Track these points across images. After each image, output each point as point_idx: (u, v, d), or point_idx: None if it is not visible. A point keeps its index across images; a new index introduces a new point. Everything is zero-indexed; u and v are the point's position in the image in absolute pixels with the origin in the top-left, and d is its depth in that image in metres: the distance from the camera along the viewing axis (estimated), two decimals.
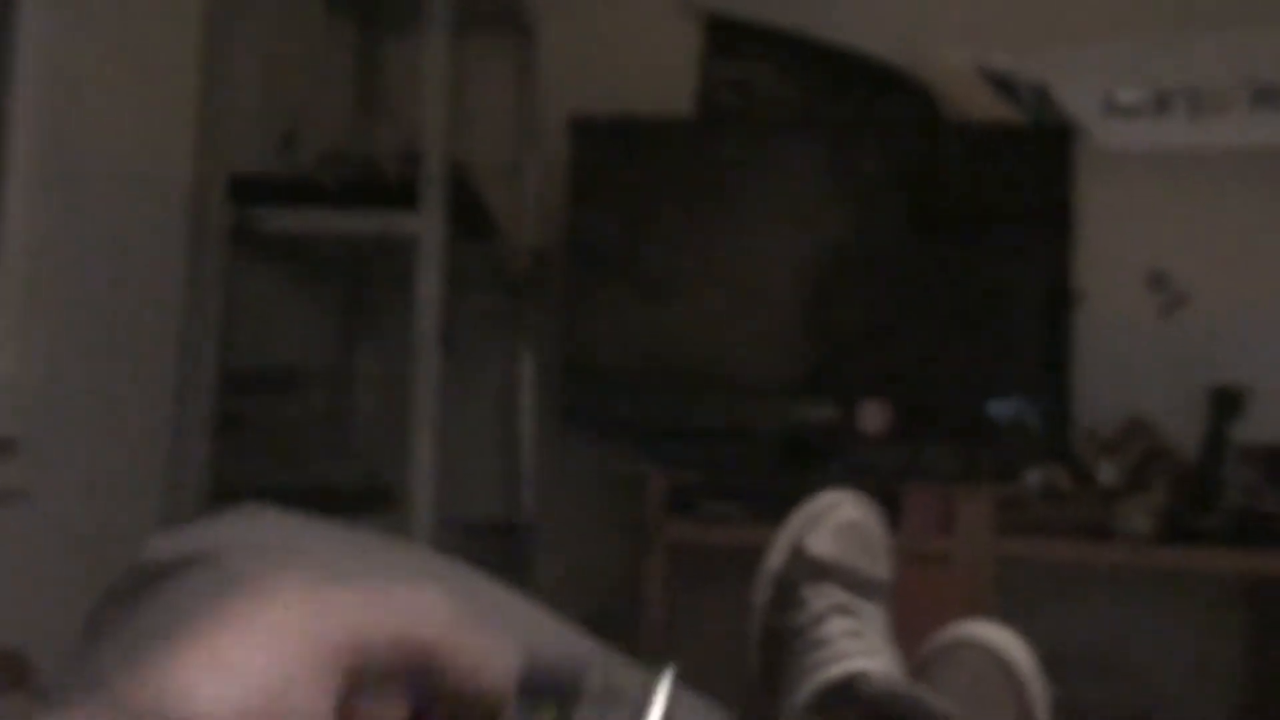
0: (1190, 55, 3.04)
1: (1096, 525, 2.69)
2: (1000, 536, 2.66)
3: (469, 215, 2.62)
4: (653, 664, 0.38)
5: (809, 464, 2.79)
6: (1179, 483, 2.73)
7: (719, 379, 2.91)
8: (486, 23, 3.01)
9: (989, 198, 2.96)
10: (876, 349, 2.93)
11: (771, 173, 2.98)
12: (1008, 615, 1.18)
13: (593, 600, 2.91)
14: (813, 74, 3.17)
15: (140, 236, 2.29)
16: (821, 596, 1.03)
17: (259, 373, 2.67)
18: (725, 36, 3.21)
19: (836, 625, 1.01)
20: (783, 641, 1.03)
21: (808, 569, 1.05)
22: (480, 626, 0.39)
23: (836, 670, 0.97)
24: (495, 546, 2.96)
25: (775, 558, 1.07)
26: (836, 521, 1.08)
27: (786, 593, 1.05)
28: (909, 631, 1.08)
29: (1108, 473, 2.76)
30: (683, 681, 0.37)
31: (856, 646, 1.00)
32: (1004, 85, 3.11)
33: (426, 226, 2.41)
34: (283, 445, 2.68)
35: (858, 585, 1.06)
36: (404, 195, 2.43)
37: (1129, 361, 2.98)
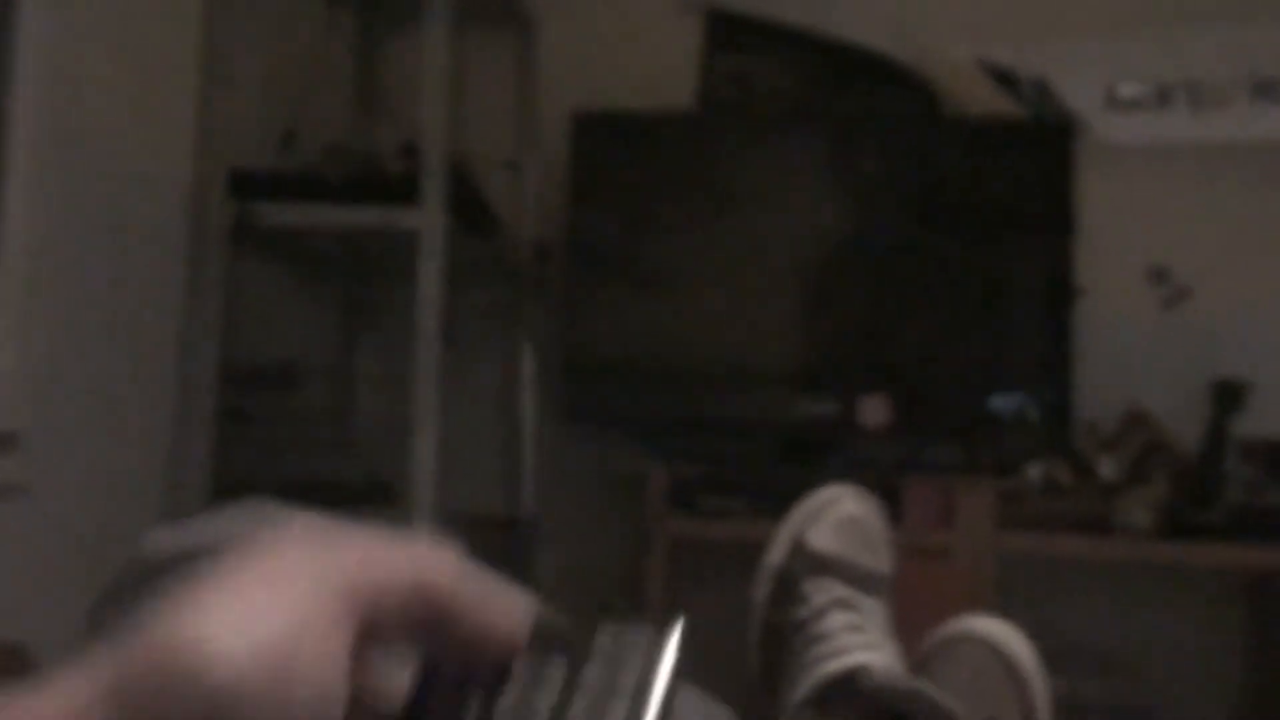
0: (1191, 49, 3.04)
1: (1097, 519, 2.69)
2: (1001, 531, 2.66)
3: (470, 211, 2.62)
4: (661, 623, 0.38)
5: (810, 459, 2.79)
6: (1179, 477, 2.73)
7: (720, 374, 2.91)
8: (486, 17, 3.01)
9: (989, 192, 2.95)
10: (877, 343, 2.93)
11: (772, 167, 2.98)
12: (1008, 609, 1.18)
13: (593, 595, 2.91)
14: (813, 69, 3.17)
15: (141, 232, 2.29)
16: (822, 591, 1.03)
17: (260, 368, 2.67)
18: (726, 31, 3.21)
19: (837, 619, 1.01)
20: (783, 636, 1.03)
21: (808, 563, 1.05)
22: (490, 581, 0.39)
23: (837, 664, 0.97)
24: (496, 542, 2.96)
25: (776, 552, 1.07)
26: (837, 516, 1.08)
27: (787, 587, 1.05)
28: (910, 626, 1.08)
29: (1108, 467, 2.76)
30: (691, 639, 0.37)
31: (857, 641, 1.00)
32: (1004, 79, 3.11)
33: (427, 222, 2.41)
34: (284, 440, 2.68)
35: (858, 580, 1.06)
36: (404, 191, 2.43)
37: (1130, 356, 2.98)
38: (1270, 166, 3.05)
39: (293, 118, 2.74)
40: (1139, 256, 3.07)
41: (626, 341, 2.95)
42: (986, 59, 3.11)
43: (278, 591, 0.34)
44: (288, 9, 2.94)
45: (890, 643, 1.03)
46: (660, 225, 2.97)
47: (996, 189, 2.96)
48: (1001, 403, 2.85)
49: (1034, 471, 2.76)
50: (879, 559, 1.09)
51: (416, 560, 0.37)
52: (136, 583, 0.58)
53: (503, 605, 0.39)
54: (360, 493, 2.68)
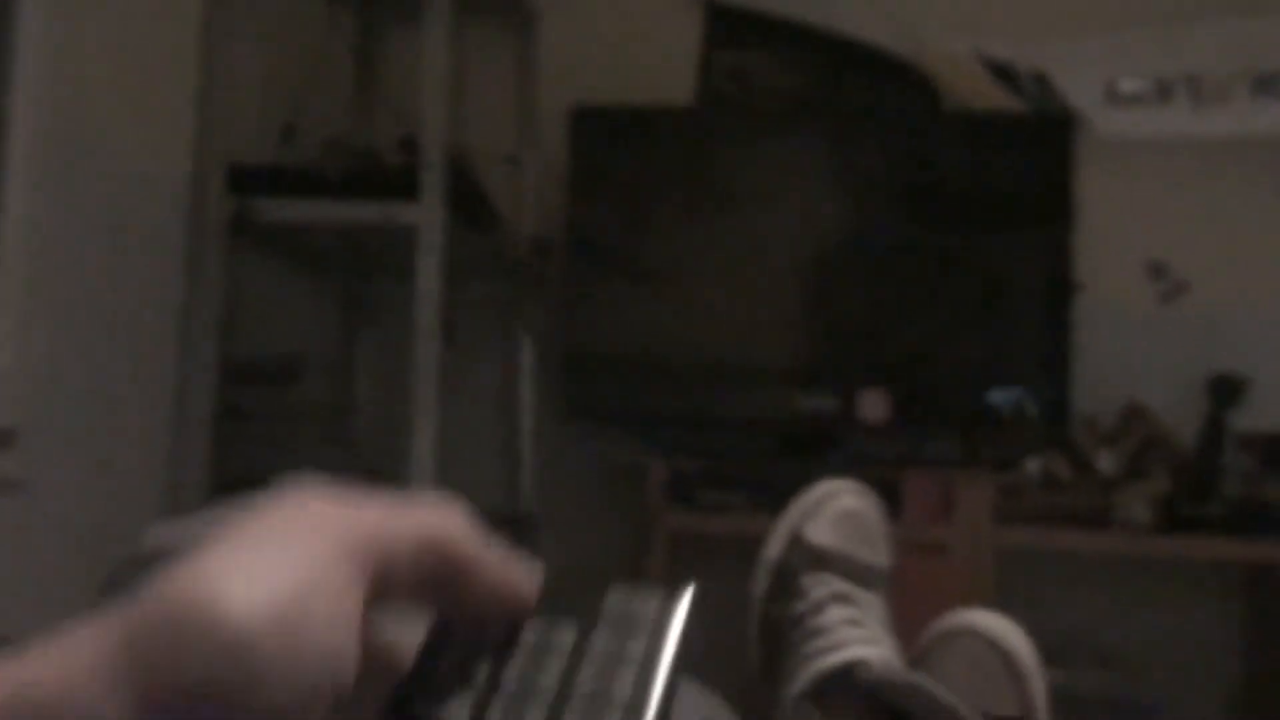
0: (1191, 44, 3.04)
1: (1095, 514, 2.70)
2: (999, 525, 2.67)
3: (469, 205, 2.62)
4: (672, 590, 0.38)
5: (809, 453, 2.79)
6: (1178, 471, 2.74)
7: (719, 368, 2.91)
8: (486, 12, 3.01)
9: (989, 187, 2.95)
10: (876, 338, 2.93)
11: (771, 162, 2.98)
12: (1006, 604, 1.18)
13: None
14: (813, 63, 3.17)
15: (140, 228, 2.29)
16: (820, 585, 1.04)
17: (259, 363, 2.67)
18: (726, 26, 3.21)
19: (835, 614, 1.01)
20: (781, 630, 1.03)
21: (807, 558, 1.05)
22: (500, 546, 0.39)
23: (835, 658, 0.98)
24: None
25: (774, 546, 1.07)
26: (835, 510, 1.08)
27: (785, 581, 1.05)
28: (908, 620, 1.08)
29: (1107, 461, 2.77)
30: (702, 606, 0.37)
31: (856, 635, 1.00)
32: (1004, 74, 3.11)
33: (426, 217, 2.41)
34: (283, 435, 2.68)
35: (857, 574, 1.06)
36: (404, 185, 2.43)
37: (1128, 350, 2.99)
38: (1270, 162, 3.05)
39: (292, 113, 2.74)
40: (1138, 251, 3.07)
41: (626, 337, 2.95)
42: (986, 54, 3.11)
43: (289, 550, 0.34)
44: (287, 4, 2.94)
45: (888, 637, 1.04)
46: (660, 221, 2.97)
47: (996, 184, 2.96)
48: (1000, 397, 2.85)
49: (1033, 466, 2.76)
50: (877, 553, 1.09)
51: (427, 520, 0.37)
52: (134, 578, 0.58)
53: (513, 569, 0.39)
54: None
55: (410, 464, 2.36)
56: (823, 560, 1.05)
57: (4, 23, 1.91)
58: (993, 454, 2.81)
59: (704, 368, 2.91)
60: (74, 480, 2.07)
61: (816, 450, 2.80)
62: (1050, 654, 1.06)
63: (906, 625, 1.07)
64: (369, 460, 2.86)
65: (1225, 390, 2.78)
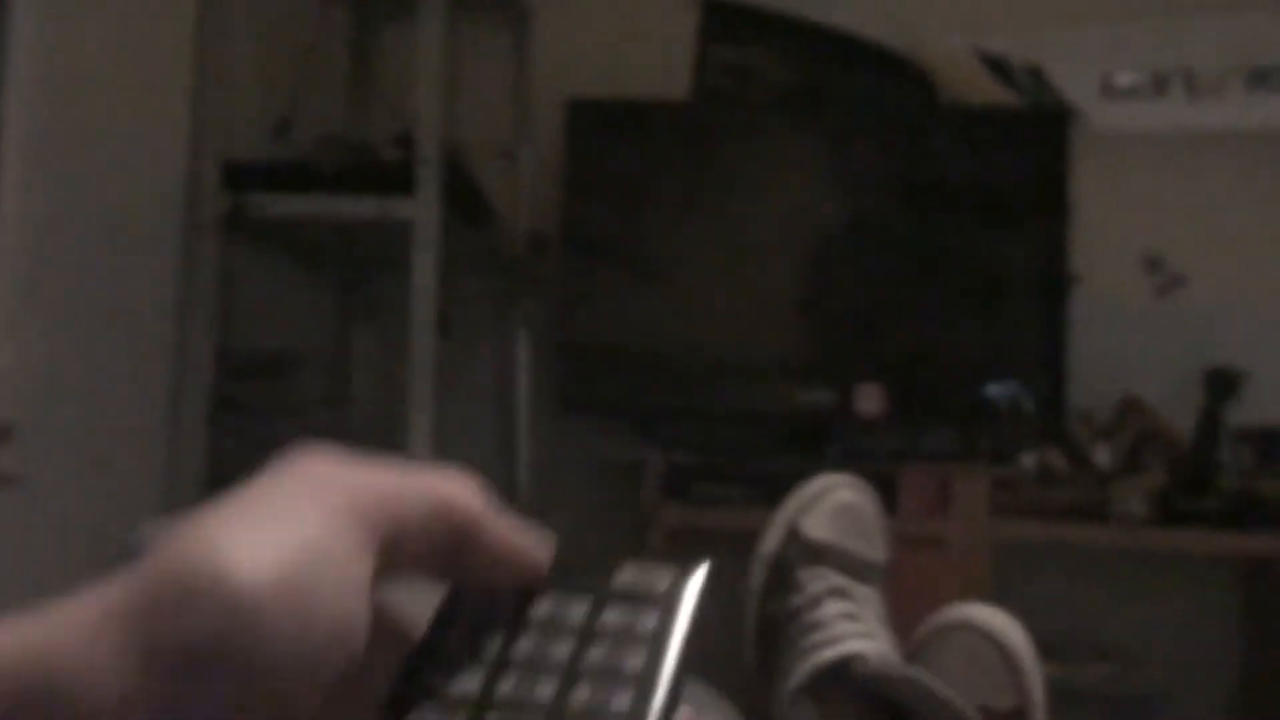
0: (1187, 38, 3.04)
1: (1092, 507, 2.70)
2: (996, 519, 2.67)
3: (465, 199, 2.62)
4: (684, 566, 0.38)
5: (806, 447, 2.79)
6: (1174, 465, 2.74)
7: (716, 362, 2.91)
8: (481, 7, 3.00)
9: (985, 181, 2.95)
10: (873, 332, 2.94)
11: (768, 156, 2.98)
12: (1003, 597, 1.18)
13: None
14: (809, 58, 3.17)
15: (136, 223, 2.28)
16: (817, 579, 1.03)
17: (256, 358, 2.67)
18: (722, 20, 3.20)
19: (832, 608, 1.01)
20: (778, 625, 1.03)
21: (803, 552, 1.05)
22: (511, 513, 0.38)
23: (832, 652, 0.97)
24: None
25: (770, 540, 1.07)
26: (832, 504, 1.08)
27: (782, 576, 1.05)
28: (905, 614, 1.08)
29: (1103, 455, 2.77)
30: (715, 584, 0.37)
31: (852, 629, 1.00)
32: (1000, 68, 3.11)
33: (422, 211, 2.41)
34: (280, 430, 2.68)
35: (853, 568, 1.06)
36: (399, 180, 2.43)
37: (1125, 344, 2.99)
38: (1265, 155, 3.05)
39: (287, 108, 2.73)
40: (1134, 245, 3.07)
41: (622, 331, 2.95)
42: (982, 48, 3.11)
43: (297, 512, 0.33)
44: (282, 0, 2.93)
45: (885, 631, 1.04)
46: (656, 215, 2.97)
47: (992, 178, 2.96)
48: (997, 391, 2.85)
49: (1029, 460, 2.77)
50: (874, 547, 1.09)
51: (438, 484, 0.37)
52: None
53: (524, 538, 0.38)
54: None
55: (406, 457, 2.36)
56: (819, 554, 1.05)
57: None
58: (989, 448, 2.82)
59: (701, 362, 2.91)
60: (71, 475, 2.06)
61: (813, 444, 2.80)
62: (1047, 648, 1.06)
63: (903, 619, 1.07)
64: (365, 455, 2.85)
65: (1221, 384, 2.78)
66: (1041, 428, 2.84)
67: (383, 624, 0.36)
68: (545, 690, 0.34)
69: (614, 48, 3.13)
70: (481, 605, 0.37)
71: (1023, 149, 2.99)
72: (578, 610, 0.37)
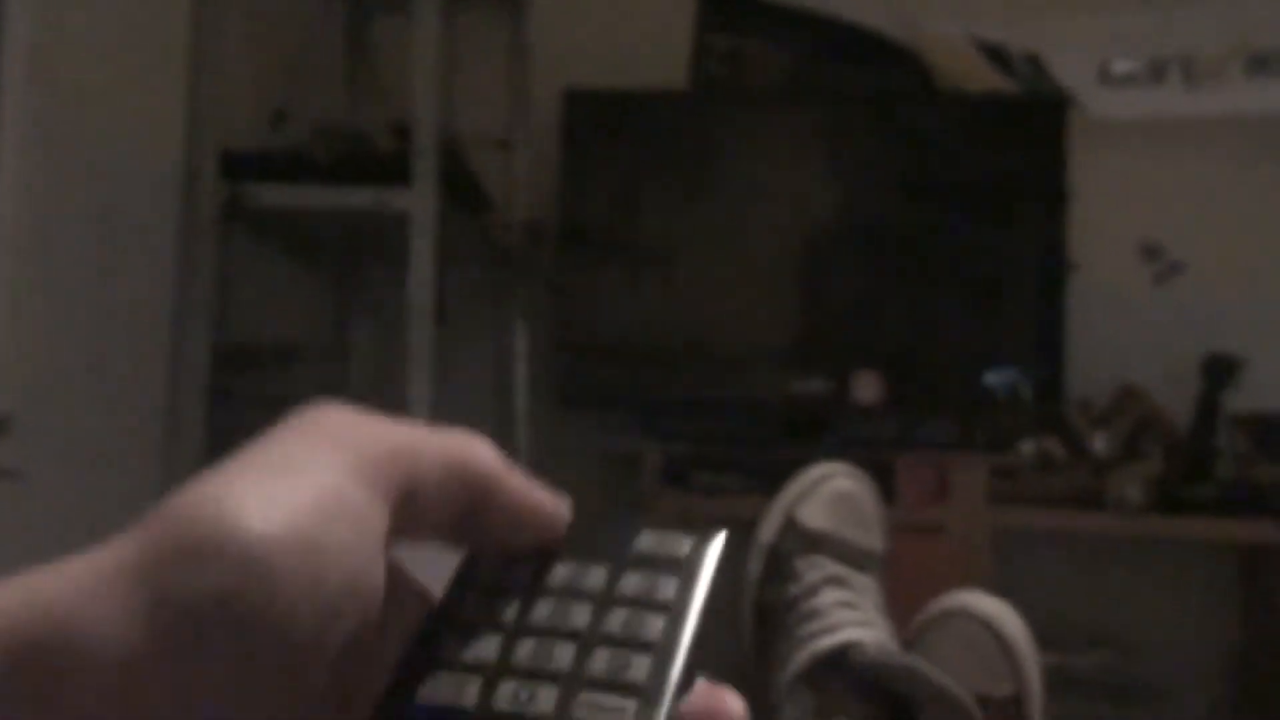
0: (1184, 24, 3.03)
1: (1090, 495, 2.70)
2: (994, 507, 2.67)
3: (461, 190, 2.62)
4: (702, 535, 0.37)
5: (803, 436, 2.79)
6: (1172, 452, 2.74)
7: (713, 351, 2.91)
8: None
9: (983, 168, 2.95)
10: (870, 320, 2.94)
11: (765, 145, 2.98)
12: (1001, 585, 1.18)
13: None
14: (806, 46, 3.17)
15: (131, 214, 2.28)
16: (814, 568, 1.04)
17: (253, 349, 2.67)
18: (719, 9, 3.20)
19: (829, 596, 1.02)
20: (776, 613, 1.03)
21: (800, 540, 1.05)
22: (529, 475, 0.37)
23: (829, 641, 0.98)
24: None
25: (767, 529, 1.07)
26: (829, 493, 1.08)
27: (779, 564, 1.05)
28: (903, 602, 1.08)
29: (1101, 443, 2.77)
30: (731, 555, 0.37)
31: (850, 617, 1.00)
32: (997, 56, 3.10)
33: (418, 201, 2.41)
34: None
35: (851, 556, 1.06)
36: (396, 171, 2.42)
37: (1123, 332, 2.99)
38: (1264, 141, 3.05)
39: (283, 98, 2.73)
40: (1132, 232, 3.07)
41: (619, 320, 2.95)
42: (979, 35, 3.11)
43: (309, 465, 0.32)
44: None
45: (883, 619, 1.04)
46: (653, 205, 2.97)
47: (990, 166, 2.96)
48: (995, 379, 2.85)
49: (1027, 448, 2.77)
50: (871, 536, 1.09)
51: (454, 441, 0.36)
52: None
53: (542, 497, 0.37)
54: None
55: None
56: (817, 543, 1.05)
57: None
58: (987, 436, 2.82)
59: (698, 351, 2.91)
60: (68, 468, 2.06)
61: (811, 433, 2.80)
62: (1045, 635, 1.06)
63: (901, 607, 1.07)
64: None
65: (1219, 371, 2.78)
66: (1039, 416, 2.85)
67: (398, 583, 0.35)
68: (563, 657, 0.34)
69: (611, 37, 3.12)
70: (499, 571, 0.37)
71: (1020, 137, 2.99)
72: (596, 576, 0.36)
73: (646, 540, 0.37)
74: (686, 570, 0.36)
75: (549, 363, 3.00)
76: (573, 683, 0.33)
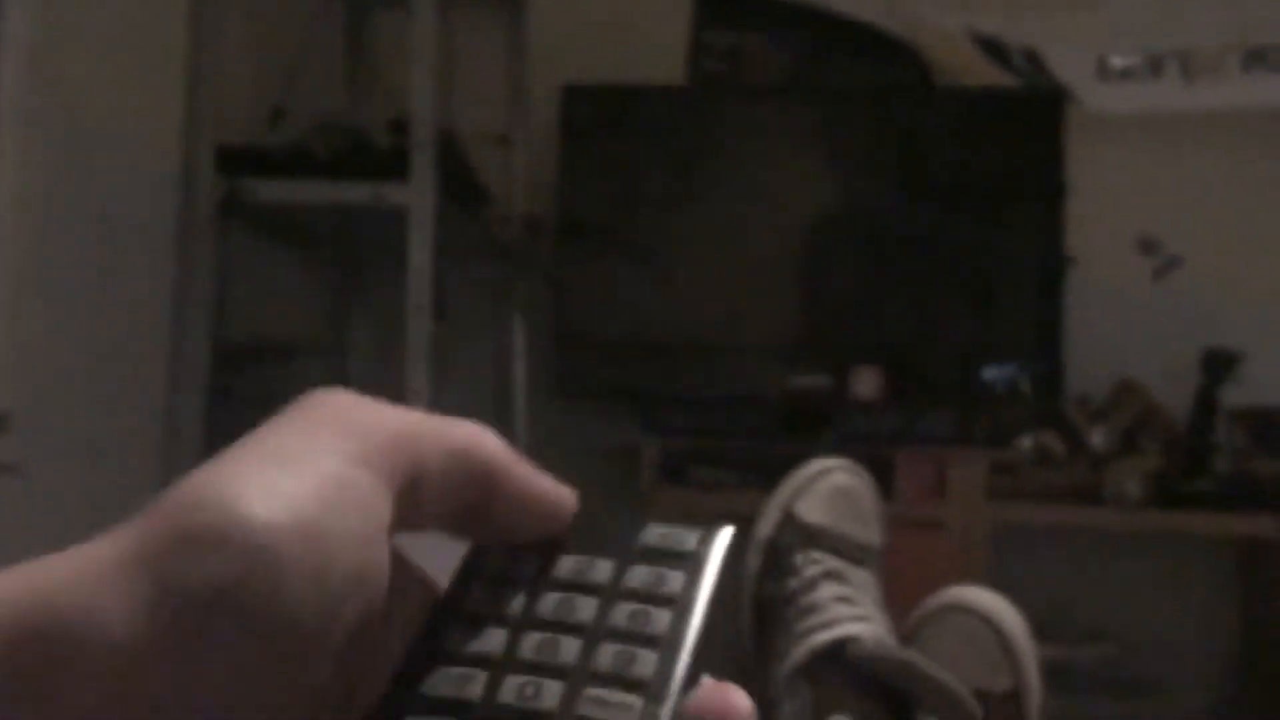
0: (1181, 18, 3.03)
1: (1088, 490, 2.70)
2: (993, 502, 2.67)
3: (460, 185, 2.62)
4: (708, 529, 0.37)
5: (802, 430, 2.79)
6: (1170, 447, 2.74)
7: (712, 346, 2.91)
8: None
9: (981, 163, 2.95)
10: (869, 315, 2.94)
11: (763, 140, 2.98)
12: (1000, 580, 1.18)
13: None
14: (804, 41, 3.16)
15: (130, 210, 2.28)
16: (812, 563, 1.04)
17: (252, 344, 2.67)
18: (716, 4, 3.20)
19: (828, 591, 1.02)
20: (774, 608, 1.03)
21: (799, 535, 1.05)
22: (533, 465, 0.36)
23: (828, 636, 0.98)
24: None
25: (766, 524, 1.07)
26: (828, 487, 1.08)
27: (778, 559, 1.05)
28: (901, 597, 1.08)
29: (1099, 437, 2.77)
30: (736, 550, 0.37)
31: (848, 612, 1.00)
32: (995, 50, 3.10)
33: (417, 196, 2.41)
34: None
35: (849, 551, 1.06)
36: (394, 166, 2.42)
37: (1121, 326, 2.99)
38: (1261, 135, 3.05)
39: (282, 93, 2.73)
40: (1130, 227, 3.07)
41: (618, 315, 2.96)
42: (977, 30, 3.11)
43: (312, 451, 0.32)
44: None
45: (881, 614, 1.04)
46: (651, 199, 2.97)
47: (988, 160, 2.96)
48: (993, 374, 2.86)
49: (1026, 442, 2.77)
50: (870, 531, 1.09)
51: (458, 428, 0.35)
52: None
53: (547, 486, 0.37)
54: None
55: None
56: (815, 538, 1.05)
57: None
58: (986, 431, 2.82)
59: (696, 346, 2.91)
60: (68, 464, 2.06)
61: (810, 428, 2.80)
62: (1044, 629, 1.06)
63: (900, 602, 1.07)
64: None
65: (1218, 365, 2.78)
66: (1038, 411, 2.85)
67: (402, 573, 0.35)
68: (569, 651, 0.33)
69: (609, 33, 3.12)
70: (504, 563, 0.36)
71: (1018, 132, 2.99)
72: (602, 570, 0.36)
73: (653, 534, 0.37)
74: (693, 565, 0.36)
75: (548, 357, 3.00)
76: (578, 678, 0.33)
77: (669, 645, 0.33)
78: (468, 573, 0.37)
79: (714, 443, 2.78)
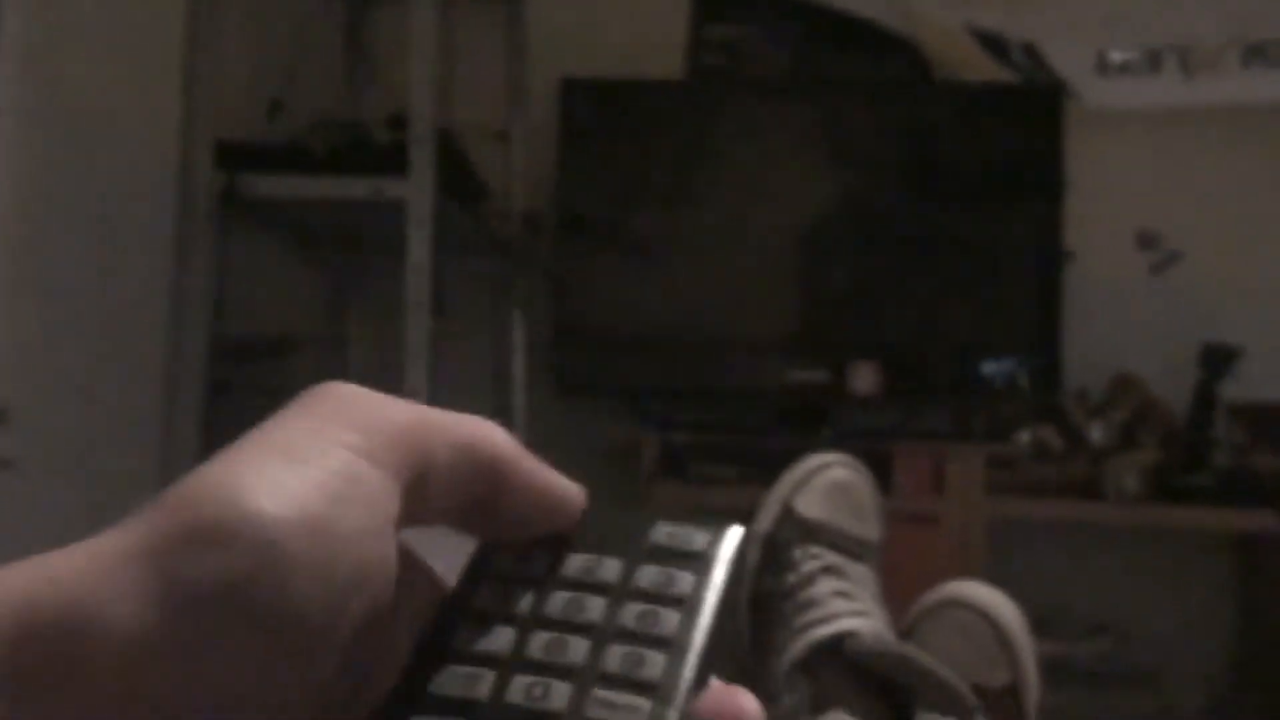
0: (1181, 13, 3.03)
1: (1087, 484, 2.71)
2: (991, 496, 2.67)
3: (458, 180, 2.61)
4: (717, 528, 0.37)
5: (801, 425, 2.80)
6: (1169, 441, 2.74)
7: (711, 341, 2.91)
8: None
9: (980, 158, 2.95)
10: (868, 310, 2.94)
11: (762, 135, 2.98)
12: (998, 574, 1.18)
13: None
14: (802, 36, 3.16)
15: (127, 204, 2.28)
16: (811, 558, 1.04)
17: (250, 340, 2.67)
18: None
19: (826, 586, 1.02)
20: (772, 603, 1.03)
21: (797, 530, 1.06)
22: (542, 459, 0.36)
23: (826, 630, 0.98)
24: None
25: (764, 519, 1.07)
26: (826, 482, 1.08)
27: (776, 554, 1.05)
28: (900, 591, 1.08)
29: (1098, 432, 2.77)
30: (749, 546, 0.36)
31: (846, 607, 1.00)
32: (994, 44, 3.10)
33: (416, 191, 2.40)
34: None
35: (847, 546, 1.06)
36: (393, 160, 2.42)
37: (1119, 321, 2.99)
38: (1261, 130, 3.05)
39: (280, 88, 2.72)
40: (1129, 221, 3.07)
41: (618, 310, 2.95)
42: (976, 24, 3.10)
43: (319, 445, 0.31)
44: None
45: (879, 609, 1.04)
46: (650, 194, 2.97)
47: (987, 155, 2.95)
48: (991, 369, 2.86)
49: (1024, 437, 2.77)
50: (868, 526, 1.09)
51: (466, 422, 0.35)
52: None
53: (556, 482, 0.36)
54: None
55: None
56: (813, 533, 1.05)
57: None
58: (984, 426, 2.82)
59: (695, 341, 2.91)
60: (65, 459, 2.06)
61: (808, 423, 2.81)
62: (1042, 624, 1.06)
63: (898, 597, 1.07)
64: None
65: (1216, 360, 2.78)
66: (1036, 405, 2.85)
67: (409, 569, 0.34)
68: (577, 651, 0.33)
69: (607, 27, 3.12)
70: (513, 560, 0.36)
71: (1017, 126, 2.99)
72: (610, 569, 0.35)
73: (661, 533, 0.36)
74: (702, 565, 0.35)
75: (547, 353, 3.00)
76: (587, 678, 0.33)
77: (678, 647, 0.33)
78: (475, 570, 0.36)
79: (713, 438, 2.78)
